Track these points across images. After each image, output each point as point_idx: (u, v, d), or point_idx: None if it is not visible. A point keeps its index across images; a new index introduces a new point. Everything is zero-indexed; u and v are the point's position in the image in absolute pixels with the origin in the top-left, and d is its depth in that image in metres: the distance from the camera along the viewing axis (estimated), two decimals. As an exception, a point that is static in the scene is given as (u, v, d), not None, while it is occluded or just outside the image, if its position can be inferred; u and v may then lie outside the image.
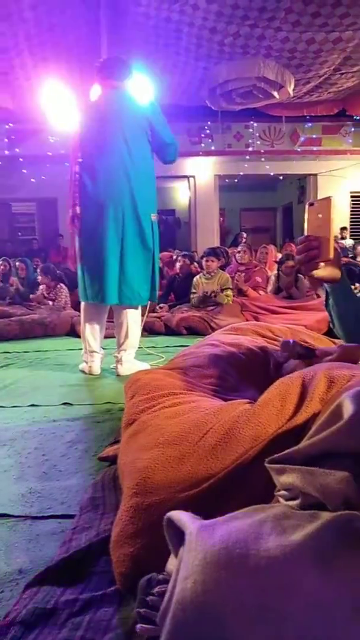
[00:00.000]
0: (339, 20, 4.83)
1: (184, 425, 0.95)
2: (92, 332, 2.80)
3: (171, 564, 0.68)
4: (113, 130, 2.66)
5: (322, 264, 1.08)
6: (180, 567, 0.51)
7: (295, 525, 0.49)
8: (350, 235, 8.74)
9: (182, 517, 0.58)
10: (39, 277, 5.69)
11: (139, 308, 2.86)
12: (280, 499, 0.61)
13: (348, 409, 0.63)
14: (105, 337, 2.98)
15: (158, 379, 1.29)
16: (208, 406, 1.06)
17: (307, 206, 1.11)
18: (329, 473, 0.56)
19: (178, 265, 5.62)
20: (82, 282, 2.76)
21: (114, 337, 2.90)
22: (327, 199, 1.09)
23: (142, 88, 3.20)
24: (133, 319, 2.80)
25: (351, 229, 9.05)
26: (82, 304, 2.84)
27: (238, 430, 0.90)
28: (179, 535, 0.58)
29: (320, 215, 1.08)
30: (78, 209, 2.65)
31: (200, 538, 0.51)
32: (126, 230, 2.67)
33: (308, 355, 1.19)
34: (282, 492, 0.61)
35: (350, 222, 9.52)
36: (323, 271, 1.09)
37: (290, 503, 0.58)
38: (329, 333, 3.73)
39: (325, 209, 1.08)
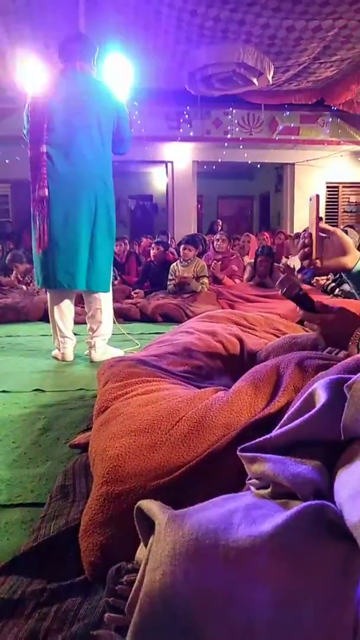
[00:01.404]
0: (319, 8, 4.80)
1: (156, 413, 0.94)
2: (61, 318, 2.75)
3: (141, 553, 0.67)
4: (87, 114, 2.59)
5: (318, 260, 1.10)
6: (149, 558, 0.50)
7: (266, 515, 0.49)
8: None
9: (152, 507, 0.57)
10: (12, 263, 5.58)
11: (110, 293, 2.84)
12: (252, 488, 0.61)
13: (320, 397, 0.63)
14: (77, 323, 2.94)
15: (132, 366, 1.27)
16: (181, 394, 1.05)
17: (308, 201, 1.14)
18: (300, 462, 0.56)
19: (152, 252, 5.57)
20: (45, 268, 2.64)
21: (85, 323, 2.86)
22: (313, 197, 1.11)
23: (121, 70, 3.13)
24: (105, 304, 2.77)
25: (327, 219, 9.15)
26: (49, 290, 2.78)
27: (211, 418, 0.89)
28: (149, 525, 0.57)
29: (312, 213, 1.11)
30: (47, 191, 2.56)
31: (169, 528, 0.50)
32: (98, 216, 2.63)
33: (305, 302, 1.14)
34: (254, 480, 0.60)
35: (326, 212, 9.61)
36: (327, 262, 1.11)
37: (262, 492, 0.58)
38: (301, 323, 3.78)
39: (312, 207, 1.11)
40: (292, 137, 8.52)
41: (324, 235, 1.11)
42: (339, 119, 8.49)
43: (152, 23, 5.27)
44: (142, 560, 0.55)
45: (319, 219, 1.13)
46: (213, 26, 5.26)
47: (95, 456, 0.95)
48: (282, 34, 5.34)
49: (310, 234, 1.10)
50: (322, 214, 9.31)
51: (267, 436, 0.61)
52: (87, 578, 0.76)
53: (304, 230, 1.15)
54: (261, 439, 0.61)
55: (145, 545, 0.60)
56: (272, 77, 5.88)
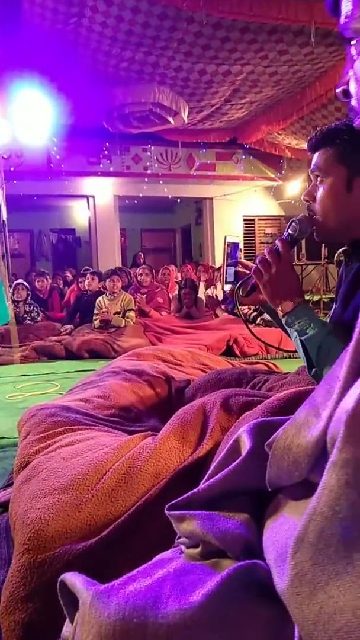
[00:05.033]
0: (228, 54, 5.12)
1: (81, 467, 0.89)
2: None
3: (67, 630, 0.62)
4: None
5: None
6: (74, 643, 0.46)
7: (196, 581, 0.46)
8: (245, 257, 9.21)
9: (76, 582, 0.53)
10: None
11: None
12: (182, 547, 0.59)
13: (245, 445, 0.63)
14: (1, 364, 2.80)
15: (54, 415, 1.21)
16: (108, 443, 1.01)
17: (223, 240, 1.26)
18: (228, 517, 0.55)
19: (87, 282, 5.42)
20: None
21: (10, 363, 2.72)
22: (224, 240, 1.22)
23: (38, 107, 3.12)
24: None
25: (245, 251, 9.53)
26: None
27: (139, 468, 0.87)
28: (74, 600, 0.53)
29: (224, 252, 1.24)
30: None
31: (94, 609, 0.46)
32: None
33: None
34: (183, 539, 0.58)
35: (244, 244, 10.03)
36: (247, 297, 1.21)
37: (192, 551, 0.56)
38: (227, 352, 3.86)
39: (224, 248, 1.23)
40: (209, 173, 8.87)
41: (247, 271, 1.19)
42: (251, 157, 8.99)
43: (69, 61, 5.33)
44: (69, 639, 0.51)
45: (233, 259, 1.21)
46: (128, 67, 5.42)
47: (16, 519, 0.88)
48: (195, 77, 5.61)
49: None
50: (240, 245, 9.70)
51: (195, 490, 0.59)
52: (9, 662, 0.69)
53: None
54: (189, 493, 0.60)
55: (72, 622, 0.55)
56: (187, 117, 6.14)
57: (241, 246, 9.67)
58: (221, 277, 1.27)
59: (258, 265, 1.08)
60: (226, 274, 1.22)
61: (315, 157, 1.06)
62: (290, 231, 1.10)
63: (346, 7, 0.57)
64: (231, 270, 1.23)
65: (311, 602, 0.32)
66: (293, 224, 1.09)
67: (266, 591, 0.44)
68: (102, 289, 5.23)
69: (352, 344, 0.39)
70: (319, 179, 1.06)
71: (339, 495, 0.33)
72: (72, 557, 0.73)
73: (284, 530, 0.44)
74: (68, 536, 0.77)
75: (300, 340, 1.02)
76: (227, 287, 1.24)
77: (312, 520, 0.34)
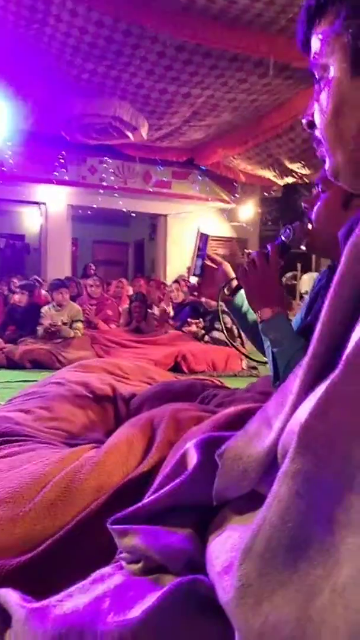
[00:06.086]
0: (189, 77, 5.24)
1: (20, 479, 0.85)
2: None
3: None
4: None
5: None
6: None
7: (137, 596, 0.45)
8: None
9: (9, 599, 0.50)
10: None
11: None
12: (123, 562, 0.57)
13: (192, 459, 0.62)
14: None
15: (-7, 424, 1.16)
16: (49, 455, 0.98)
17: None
18: (172, 531, 0.54)
19: (17, 297, 5.22)
20: None
21: None
22: (198, 233, 1.23)
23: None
24: None
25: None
26: None
27: (80, 481, 0.84)
28: (6, 617, 0.50)
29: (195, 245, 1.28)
30: None
31: (29, 626, 0.44)
32: None
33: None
34: (125, 554, 0.57)
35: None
36: (211, 290, 1.25)
37: (133, 567, 0.54)
38: (175, 369, 3.87)
39: (196, 240, 1.27)
40: (165, 190, 8.96)
41: (214, 266, 1.21)
42: (207, 178, 9.18)
43: (29, 66, 5.26)
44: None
45: (202, 251, 1.23)
46: (89, 78, 5.42)
47: None
48: (156, 95, 5.69)
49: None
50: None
51: (139, 505, 0.58)
52: None
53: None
54: (132, 508, 0.58)
55: (2, 641, 0.52)
56: (147, 133, 6.19)
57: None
58: (189, 270, 1.30)
59: (245, 265, 1.07)
60: (194, 266, 1.22)
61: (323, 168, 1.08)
62: (283, 237, 1.09)
63: (315, 44, 0.60)
64: (199, 262, 1.23)
65: (256, 613, 0.32)
66: (287, 230, 1.08)
67: (208, 605, 0.44)
68: (41, 298, 5.08)
69: (306, 358, 0.40)
70: (321, 189, 1.07)
71: (289, 505, 0.33)
72: (6, 572, 0.70)
73: (229, 544, 0.44)
74: (3, 551, 0.73)
75: (272, 351, 1.03)
76: (194, 279, 1.24)
77: (261, 530, 0.34)
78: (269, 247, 1.07)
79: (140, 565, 0.53)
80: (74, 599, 0.46)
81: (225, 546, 0.45)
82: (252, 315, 1.21)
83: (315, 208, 1.07)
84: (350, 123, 0.55)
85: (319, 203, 1.06)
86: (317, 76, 0.61)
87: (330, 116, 0.57)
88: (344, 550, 0.31)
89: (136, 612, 0.42)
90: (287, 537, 0.33)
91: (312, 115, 0.63)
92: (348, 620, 0.29)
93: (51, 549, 0.75)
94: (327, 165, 0.63)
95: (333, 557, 0.31)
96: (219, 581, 0.41)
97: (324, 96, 0.58)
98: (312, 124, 0.64)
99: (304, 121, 0.65)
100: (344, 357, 0.35)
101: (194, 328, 4.90)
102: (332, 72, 0.58)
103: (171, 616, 0.42)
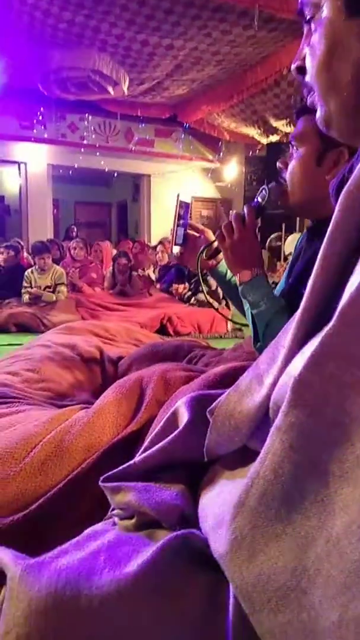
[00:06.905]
0: (171, 27, 5.00)
1: (9, 440, 0.85)
2: None
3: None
4: None
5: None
6: (1, 620, 0.44)
7: (131, 552, 0.46)
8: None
9: (3, 557, 0.50)
10: None
11: None
12: (116, 519, 0.58)
13: (182, 417, 0.62)
14: None
15: (-20, 388, 1.15)
16: (38, 416, 0.98)
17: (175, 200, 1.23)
18: (164, 487, 0.54)
19: (1, 257, 5.11)
20: None
21: None
22: (177, 198, 1.20)
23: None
24: None
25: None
26: None
27: (70, 441, 0.84)
28: (1, 575, 0.51)
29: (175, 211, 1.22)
30: None
31: (24, 583, 0.44)
32: None
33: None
34: (117, 511, 0.57)
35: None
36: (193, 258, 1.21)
37: (126, 523, 0.55)
38: (161, 331, 3.87)
39: (176, 206, 1.21)
40: (147, 149, 8.72)
41: (196, 234, 1.18)
42: (190, 136, 8.93)
43: (2, 15, 4.96)
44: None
45: (184, 220, 1.20)
46: (67, 29, 5.14)
47: None
48: (137, 47, 5.44)
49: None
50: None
51: (131, 462, 0.58)
52: None
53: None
54: (125, 465, 0.58)
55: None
56: (128, 88, 5.96)
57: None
58: (170, 238, 1.26)
59: (222, 229, 1.06)
60: (176, 235, 1.20)
61: (297, 124, 1.05)
62: (259, 199, 1.07)
63: None
64: (181, 231, 1.21)
65: (250, 564, 0.33)
66: (263, 191, 1.06)
67: (202, 558, 0.44)
68: (24, 260, 4.97)
69: (298, 312, 0.39)
70: (295, 147, 1.04)
71: (283, 458, 0.33)
72: (1, 531, 0.70)
73: (222, 499, 0.45)
74: (-6, 511, 0.74)
75: (251, 313, 1.02)
76: (176, 249, 1.22)
77: (254, 484, 0.34)
78: (245, 209, 1.06)
79: (133, 521, 0.54)
80: (68, 556, 0.46)
81: (217, 501, 0.45)
82: (235, 281, 1.21)
83: (290, 167, 1.05)
84: (345, 66, 0.52)
85: (292, 161, 1.04)
86: (307, 16, 0.58)
87: (323, 58, 0.53)
88: (338, 501, 0.32)
89: (132, 566, 0.43)
90: (280, 490, 0.33)
91: (303, 60, 0.60)
92: (343, 569, 0.29)
93: (43, 507, 0.76)
94: (317, 114, 0.60)
95: (327, 509, 0.32)
96: (213, 535, 0.42)
97: (316, 38, 0.54)
98: (302, 69, 0.60)
99: (293, 66, 0.61)
100: (338, 310, 0.35)
101: (180, 289, 4.87)
102: (325, 11, 0.54)
103: (166, 569, 0.43)
